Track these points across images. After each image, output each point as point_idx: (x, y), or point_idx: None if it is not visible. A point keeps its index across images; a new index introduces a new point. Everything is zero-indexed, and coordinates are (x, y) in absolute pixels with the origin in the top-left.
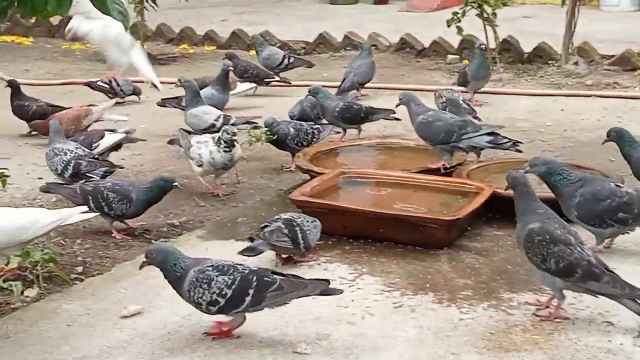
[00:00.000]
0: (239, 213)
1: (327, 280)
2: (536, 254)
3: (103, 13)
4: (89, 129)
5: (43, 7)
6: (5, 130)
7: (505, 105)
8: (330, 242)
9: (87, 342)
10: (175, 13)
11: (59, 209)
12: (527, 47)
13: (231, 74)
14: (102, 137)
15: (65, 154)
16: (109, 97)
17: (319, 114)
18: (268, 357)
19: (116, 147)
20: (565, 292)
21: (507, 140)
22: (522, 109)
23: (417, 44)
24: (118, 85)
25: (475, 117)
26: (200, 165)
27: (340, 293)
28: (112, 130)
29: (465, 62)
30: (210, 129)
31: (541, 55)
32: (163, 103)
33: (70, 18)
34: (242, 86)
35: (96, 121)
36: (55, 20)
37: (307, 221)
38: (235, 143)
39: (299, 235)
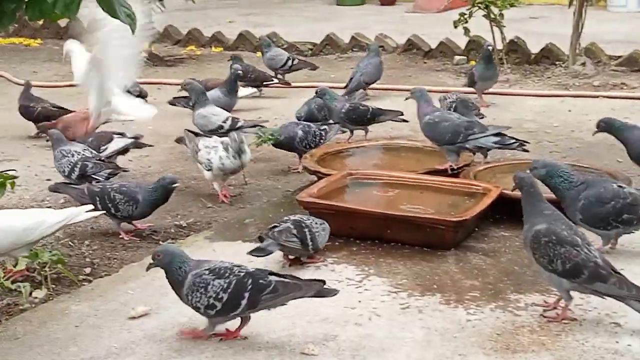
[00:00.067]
0: (246, 214)
1: (323, 281)
2: (543, 255)
3: (110, 16)
4: (96, 131)
5: (51, 10)
6: (13, 132)
7: (512, 106)
8: (337, 243)
9: (95, 343)
10: (183, 15)
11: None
12: (534, 48)
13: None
14: (110, 141)
15: (73, 155)
16: None
17: (326, 115)
18: (276, 358)
19: (124, 150)
20: (572, 293)
21: (513, 141)
22: (529, 110)
23: (424, 45)
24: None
25: (478, 115)
26: (209, 170)
27: (335, 294)
28: (121, 134)
29: (473, 63)
30: (218, 130)
31: (548, 56)
32: (173, 102)
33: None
34: (245, 91)
35: (104, 122)
36: (63, 22)
37: (316, 223)
38: (244, 148)
39: (308, 237)
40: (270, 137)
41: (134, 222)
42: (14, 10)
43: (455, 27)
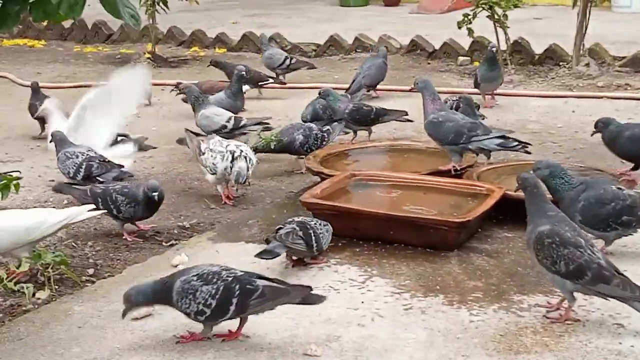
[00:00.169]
0: (250, 215)
1: (309, 287)
2: (546, 257)
3: (114, 17)
4: None
5: (55, 11)
6: (17, 133)
7: (516, 107)
8: (340, 244)
9: (98, 344)
10: (186, 16)
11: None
12: (538, 48)
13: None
14: (115, 143)
15: (77, 156)
16: None
17: (331, 114)
18: (278, 359)
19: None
20: (575, 294)
21: (516, 143)
22: (532, 111)
23: (428, 45)
24: None
25: (478, 115)
26: (213, 174)
27: (323, 301)
28: (125, 136)
29: (476, 63)
30: (221, 130)
31: (552, 57)
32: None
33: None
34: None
35: None
36: (67, 23)
37: (320, 224)
38: (242, 178)
39: (313, 238)
40: (272, 139)
41: (136, 223)
42: (18, 12)
43: (459, 27)
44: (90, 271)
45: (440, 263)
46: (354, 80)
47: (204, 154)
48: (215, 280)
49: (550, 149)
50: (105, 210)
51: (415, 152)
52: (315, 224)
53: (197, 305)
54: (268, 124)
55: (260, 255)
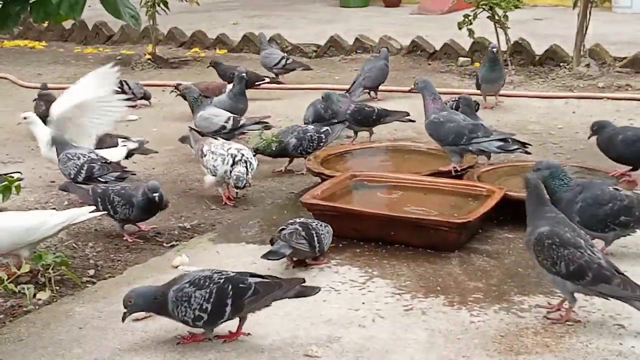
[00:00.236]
0: (250, 216)
1: (302, 279)
2: (546, 258)
3: (115, 17)
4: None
5: (55, 11)
6: (18, 134)
7: (517, 108)
8: (341, 245)
9: (98, 344)
10: (187, 17)
11: (69, 209)
12: (538, 49)
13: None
14: (115, 145)
15: (79, 158)
16: None
17: (333, 115)
18: None
19: (127, 155)
20: (576, 295)
21: (517, 146)
22: (533, 112)
23: (429, 46)
24: (129, 88)
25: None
26: (214, 175)
27: (317, 292)
28: (126, 138)
29: (477, 64)
30: (221, 131)
31: (553, 58)
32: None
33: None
34: (230, 87)
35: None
36: (67, 24)
37: (321, 226)
38: (241, 183)
39: (315, 239)
40: (273, 139)
41: (137, 224)
42: (19, 12)
43: (460, 28)
44: (91, 272)
45: (440, 264)
46: (354, 82)
47: (205, 155)
48: (207, 284)
49: (550, 149)
50: (106, 212)
51: (415, 153)
52: (316, 225)
53: (193, 312)
54: (267, 122)
55: (266, 256)
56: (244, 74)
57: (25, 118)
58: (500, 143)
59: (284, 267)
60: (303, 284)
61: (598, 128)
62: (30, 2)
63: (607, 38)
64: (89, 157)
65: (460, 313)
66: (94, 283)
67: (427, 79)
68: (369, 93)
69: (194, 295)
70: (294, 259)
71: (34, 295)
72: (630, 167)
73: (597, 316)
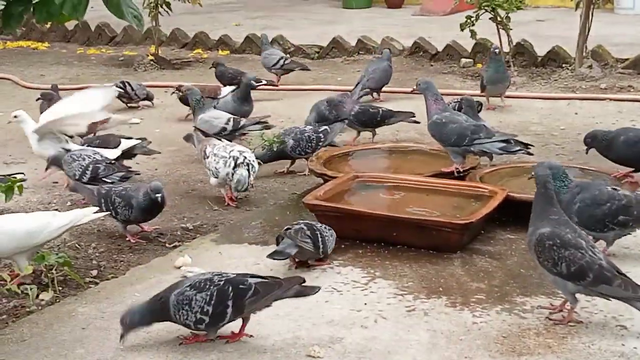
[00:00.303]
0: (253, 217)
1: (302, 278)
2: (547, 259)
3: (117, 17)
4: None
5: (58, 11)
6: (21, 134)
7: (519, 109)
8: (343, 246)
9: (101, 345)
10: (189, 18)
11: (72, 210)
12: (540, 50)
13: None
14: (117, 145)
15: (84, 159)
16: (122, 101)
17: (337, 115)
18: None
19: (130, 155)
20: (578, 295)
21: (519, 148)
22: (535, 113)
23: (431, 47)
24: (132, 89)
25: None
26: (216, 177)
27: (317, 291)
28: (129, 138)
29: (479, 65)
30: (221, 133)
31: (555, 59)
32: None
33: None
34: (225, 90)
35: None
36: (70, 25)
37: (326, 228)
38: (243, 187)
39: (320, 239)
40: (274, 140)
41: (141, 224)
42: (22, 12)
43: (462, 29)
44: (94, 272)
45: (443, 265)
46: (358, 83)
47: (208, 157)
48: (207, 286)
49: (553, 150)
50: (109, 212)
51: (418, 154)
52: (321, 226)
53: (194, 315)
54: (267, 122)
55: (271, 255)
56: (253, 82)
57: (15, 117)
58: (503, 144)
59: (287, 268)
60: (303, 284)
61: (592, 139)
62: (33, 2)
63: (610, 39)
64: (93, 157)
65: (463, 314)
66: (96, 283)
67: (430, 80)
68: (371, 94)
69: (195, 298)
70: (297, 260)
71: (37, 296)
72: (632, 169)
73: (600, 317)
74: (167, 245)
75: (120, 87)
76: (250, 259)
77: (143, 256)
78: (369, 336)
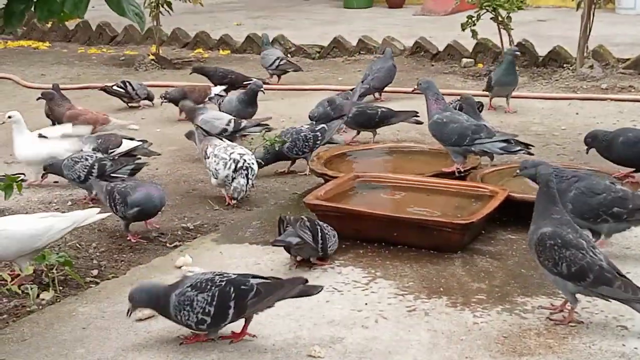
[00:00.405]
0: (253, 216)
1: (305, 279)
2: (548, 259)
3: (119, 14)
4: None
5: (59, 9)
6: None
7: (520, 109)
8: (344, 246)
9: (102, 344)
10: (190, 18)
11: (74, 211)
12: (542, 50)
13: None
14: (119, 145)
15: (87, 159)
16: (123, 101)
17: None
18: None
19: (131, 156)
20: (578, 296)
21: (519, 147)
22: (536, 113)
23: (432, 47)
24: (133, 89)
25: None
26: (216, 178)
27: (320, 291)
28: (131, 139)
29: (480, 65)
30: (222, 134)
31: (556, 59)
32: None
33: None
34: (215, 89)
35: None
36: (71, 25)
37: (328, 227)
38: (240, 195)
39: (319, 234)
40: (275, 140)
41: (147, 221)
42: (23, 10)
43: (463, 29)
44: (94, 272)
45: (443, 265)
46: (362, 81)
47: (208, 157)
48: (209, 287)
49: (554, 150)
50: (110, 213)
51: (419, 154)
52: (323, 224)
53: (196, 316)
54: (267, 124)
55: (274, 243)
56: (261, 87)
57: (9, 117)
58: (504, 144)
59: (288, 267)
60: (305, 284)
61: (592, 140)
62: (35, 0)
63: (611, 39)
64: (96, 156)
65: (463, 314)
66: (97, 283)
67: (431, 80)
68: (373, 94)
69: (197, 299)
70: (298, 258)
71: (38, 296)
72: (633, 169)
73: (600, 317)
74: (167, 244)
75: (121, 87)
76: (251, 259)
77: (144, 256)
78: (369, 336)
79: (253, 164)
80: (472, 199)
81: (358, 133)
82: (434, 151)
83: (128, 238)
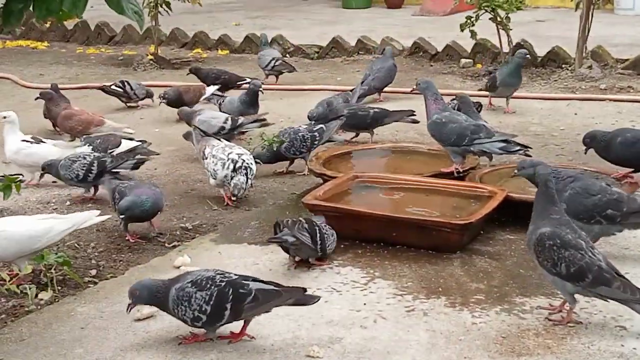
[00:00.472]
0: (252, 217)
1: (303, 288)
2: (547, 259)
3: (118, 13)
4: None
5: (58, 8)
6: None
7: (518, 109)
8: (342, 246)
9: (100, 344)
10: (189, 18)
11: (73, 213)
12: (540, 51)
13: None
14: (118, 145)
15: (85, 158)
16: (122, 100)
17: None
18: None
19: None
20: (577, 296)
21: (518, 148)
22: (535, 113)
23: (431, 47)
24: (132, 89)
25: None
26: (215, 178)
27: (316, 301)
28: (131, 139)
29: (479, 66)
30: (220, 132)
31: (555, 59)
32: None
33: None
34: (210, 89)
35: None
36: (69, 24)
37: (326, 227)
38: (241, 193)
39: (317, 235)
40: (274, 140)
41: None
42: (22, 9)
43: (462, 30)
44: (93, 272)
45: (442, 265)
46: (363, 82)
47: (206, 158)
48: (209, 285)
49: (552, 151)
50: (109, 216)
51: (417, 154)
52: (321, 223)
53: (192, 312)
54: (265, 119)
55: (271, 239)
56: (261, 90)
57: (5, 117)
58: (503, 144)
59: (286, 267)
60: (304, 293)
61: (590, 140)
62: None
63: (609, 40)
64: (94, 154)
65: (462, 314)
66: (95, 283)
67: (429, 80)
68: (376, 94)
69: (195, 296)
70: (297, 259)
71: (36, 295)
72: (632, 169)
73: (599, 318)
74: (166, 244)
75: (120, 87)
76: (249, 259)
77: (142, 256)
78: (368, 336)
79: (252, 163)
80: (470, 199)
81: (357, 134)
82: (432, 151)
83: (127, 238)
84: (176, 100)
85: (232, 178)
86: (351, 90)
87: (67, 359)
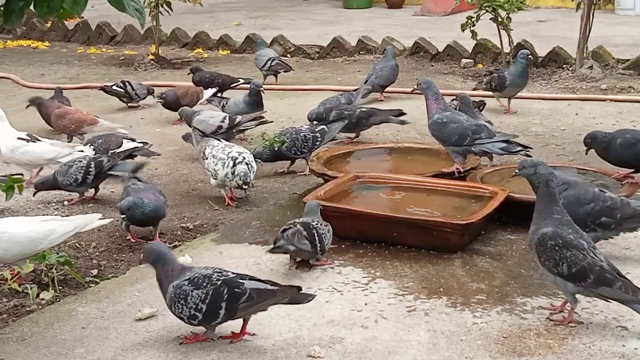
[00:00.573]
0: (253, 217)
1: (298, 287)
2: (548, 259)
3: (119, 11)
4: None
5: (59, 6)
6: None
7: (519, 109)
8: (343, 246)
9: (101, 344)
10: (190, 18)
11: (75, 215)
12: (541, 51)
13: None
14: (119, 145)
15: (80, 161)
16: (123, 101)
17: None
18: None
19: (131, 156)
20: (578, 296)
21: (520, 148)
22: (536, 113)
23: (431, 48)
24: (133, 89)
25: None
26: (215, 178)
27: (311, 300)
28: (132, 140)
29: (480, 66)
30: (218, 131)
31: (555, 60)
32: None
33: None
34: (207, 92)
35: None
36: (70, 24)
37: (321, 224)
38: (249, 178)
39: (316, 238)
40: (275, 140)
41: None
42: (22, 8)
43: (463, 30)
44: (94, 272)
45: (443, 265)
46: (366, 81)
47: (207, 158)
48: (205, 284)
49: (553, 151)
50: (111, 220)
51: (418, 154)
52: (317, 224)
53: (189, 310)
54: (263, 117)
55: (272, 250)
56: (262, 89)
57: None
58: (504, 144)
59: (287, 267)
60: (298, 292)
61: (591, 140)
62: None
63: (610, 40)
64: (89, 156)
65: (463, 314)
66: (97, 283)
67: (430, 80)
68: (378, 92)
69: (192, 294)
70: (297, 259)
71: (37, 295)
72: (632, 170)
73: (600, 318)
74: (167, 244)
75: (121, 87)
76: (250, 259)
77: None
78: (369, 336)
79: (252, 161)
80: (471, 199)
81: (357, 135)
82: (433, 151)
83: (128, 238)
84: (173, 103)
85: (233, 172)
86: (354, 90)
87: (68, 358)
